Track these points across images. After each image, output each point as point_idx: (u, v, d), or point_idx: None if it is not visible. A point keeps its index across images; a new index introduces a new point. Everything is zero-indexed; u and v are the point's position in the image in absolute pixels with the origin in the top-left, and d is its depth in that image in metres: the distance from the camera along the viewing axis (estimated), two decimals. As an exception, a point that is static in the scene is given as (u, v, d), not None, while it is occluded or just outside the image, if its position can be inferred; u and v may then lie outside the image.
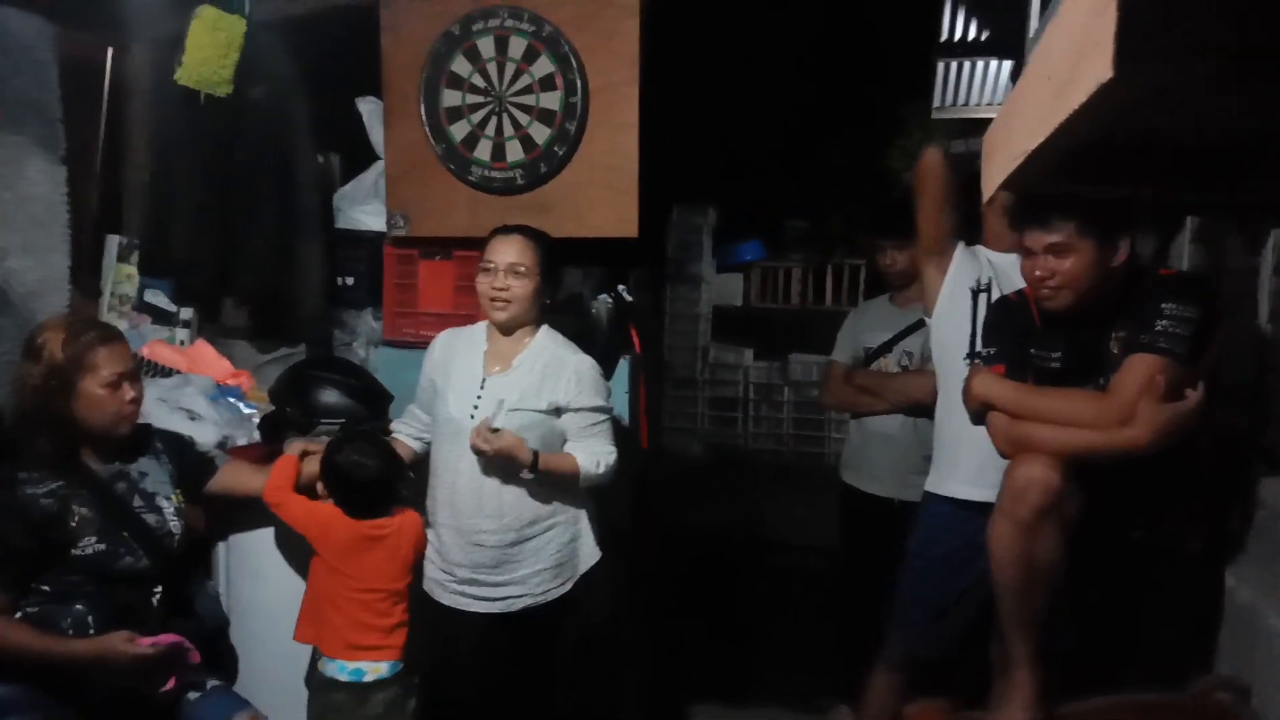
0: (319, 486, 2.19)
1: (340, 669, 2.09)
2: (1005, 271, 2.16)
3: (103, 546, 1.89)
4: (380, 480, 2.15)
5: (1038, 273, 1.79)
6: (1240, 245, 2.08)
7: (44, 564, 1.86)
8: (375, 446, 2.19)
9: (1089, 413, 1.75)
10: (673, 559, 3.54)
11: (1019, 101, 1.00)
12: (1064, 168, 1.13)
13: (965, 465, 2.16)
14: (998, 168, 1.07)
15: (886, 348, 2.80)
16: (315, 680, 2.13)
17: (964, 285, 2.20)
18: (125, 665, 1.82)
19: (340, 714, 2.08)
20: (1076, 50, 0.68)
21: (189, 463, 2.13)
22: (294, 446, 2.23)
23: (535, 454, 2.09)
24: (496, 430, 2.07)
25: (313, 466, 2.18)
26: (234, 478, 2.18)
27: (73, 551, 1.86)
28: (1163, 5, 0.56)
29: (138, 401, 1.99)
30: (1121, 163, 1.16)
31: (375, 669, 2.10)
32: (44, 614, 1.86)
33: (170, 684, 1.89)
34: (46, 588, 1.87)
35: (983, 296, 2.17)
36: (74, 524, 1.87)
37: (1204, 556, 1.89)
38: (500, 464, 2.11)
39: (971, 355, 2.17)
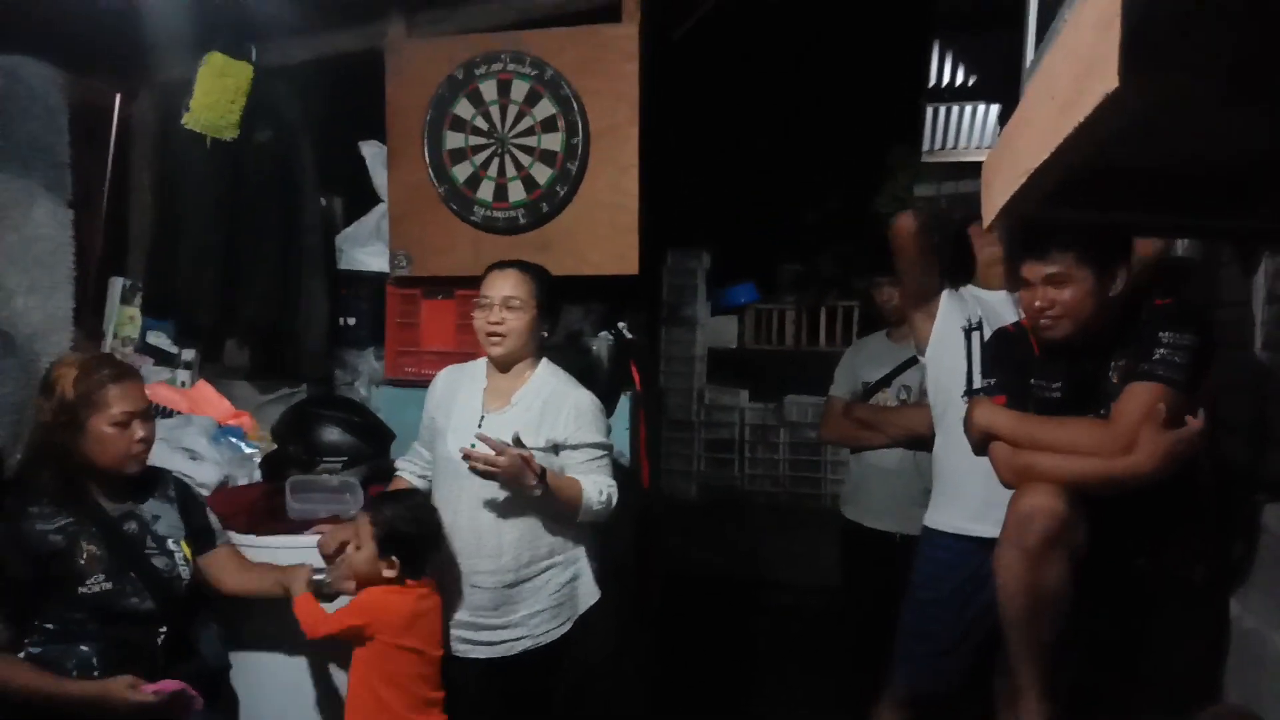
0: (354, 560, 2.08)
1: None
2: (994, 309, 2.21)
3: (109, 585, 1.87)
4: (438, 535, 2.13)
5: (1037, 303, 1.81)
6: (1234, 275, 2.12)
7: (49, 600, 1.84)
8: (427, 505, 2.16)
9: (1091, 441, 1.76)
10: (672, 599, 3.53)
11: (1020, 125, 1.04)
12: (1062, 194, 1.16)
13: (968, 500, 2.17)
14: (999, 190, 1.10)
15: (885, 382, 2.83)
16: None
17: (954, 326, 2.23)
18: (126, 712, 1.79)
19: None
20: (1082, 66, 0.71)
21: (194, 522, 2.09)
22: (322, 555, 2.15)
23: (543, 469, 2.04)
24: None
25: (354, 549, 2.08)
26: (219, 570, 2.09)
27: (79, 589, 1.85)
28: (1169, 17, 0.59)
29: (148, 441, 1.98)
30: (1118, 188, 1.19)
31: None
32: (49, 654, 1.83)
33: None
34: (50, 625, 1.85)
35: (975, 335, 2.21)
36: (82, 561, 1.86)
37: (1208, 584, 1.89)
38: (508, 487, 2.06)
39: (969, 391, 2.20)
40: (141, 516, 1.99)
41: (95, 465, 1.92)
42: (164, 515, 2.03)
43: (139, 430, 1.94)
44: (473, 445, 2.05)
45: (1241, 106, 0.75)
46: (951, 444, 2.25)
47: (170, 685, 1.84)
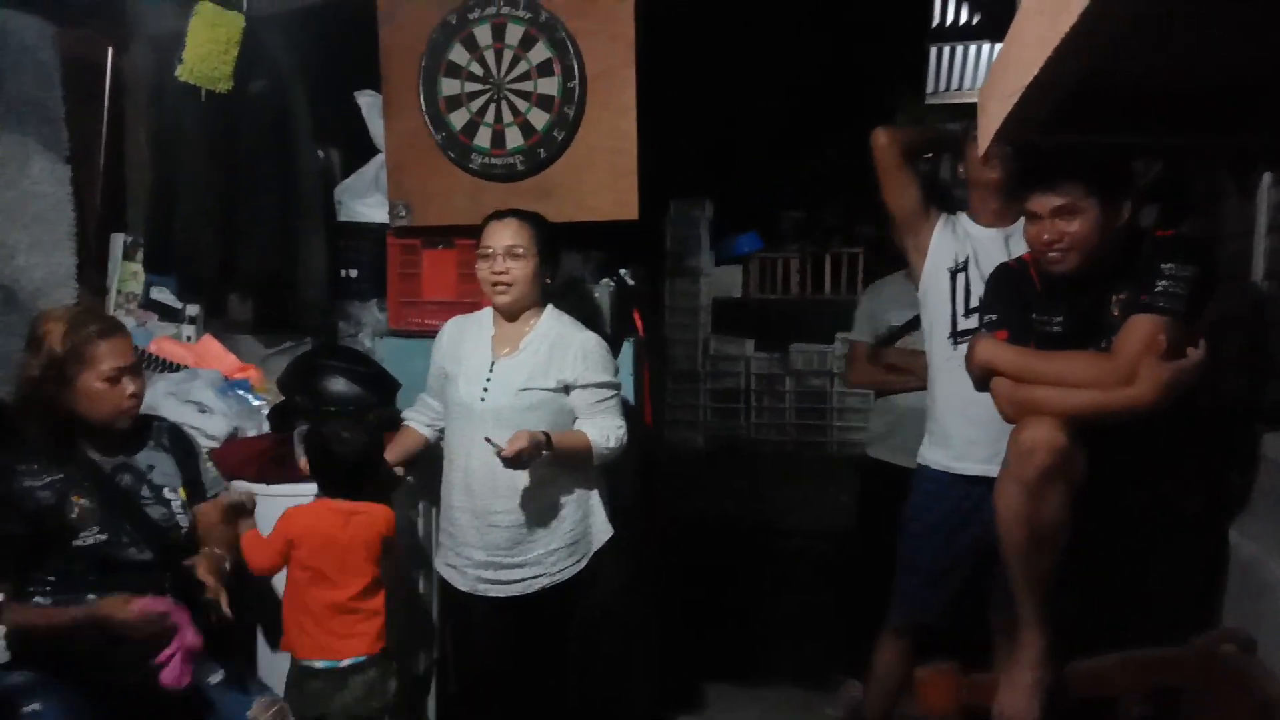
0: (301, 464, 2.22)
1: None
2: (985, 246, 2.20)
3: (104, 537, 1.89)
4: (360, 459, 2.16)
5: (1045, 237, 1.79)
6: (1236, 207, 2.10)
7: (46, 555, 1.87)
8: (360, 426, 2.21)
9: (1092, 373, 1.76)
10: (680, 544, 3.57)
11: (1012, 44, 1.02)
12: (1058, 117, 1.15)
13: (951, 440, 2.22)
14: (994, 114, 1.09)
15: (913, 325, 2.80)
16: (294, 670, 2.11)
17: (942, 266, 2.24)
18: (121, 627, 1.81)
19: (319, 701, 2.06)
20: (1068, -26, 0.70)
21: (188, 472, 2.11)
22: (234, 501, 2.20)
23: (547, 435, 2.10)
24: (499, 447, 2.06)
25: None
26: (202, 522, 2.11)
27: (74, 542, 1.86)
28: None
29: (138, 396, 1.98)
30: (1114, 109, 1.18)
31: (352, 656, 2.10)
32: (55, 605, 1.87)
33: (173, 664, 1.84)
34: (52, 578, 1.88)
35: (960, 276, 2.22)
36: (74, 515, 1.87)
37: (1207, 513, 1.91)
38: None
39: (954, 334, 2.22)
40: (136, 467, 2.00)
41: (85, 420, 1.92)
42: (159, 464, 2.04)
43: (129, 385, 1.94)
44: (481, 399, 2.18)
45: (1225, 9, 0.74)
46: (938, 384, 2.27)
47: (156, 604, 1.84)
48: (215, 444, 2.41)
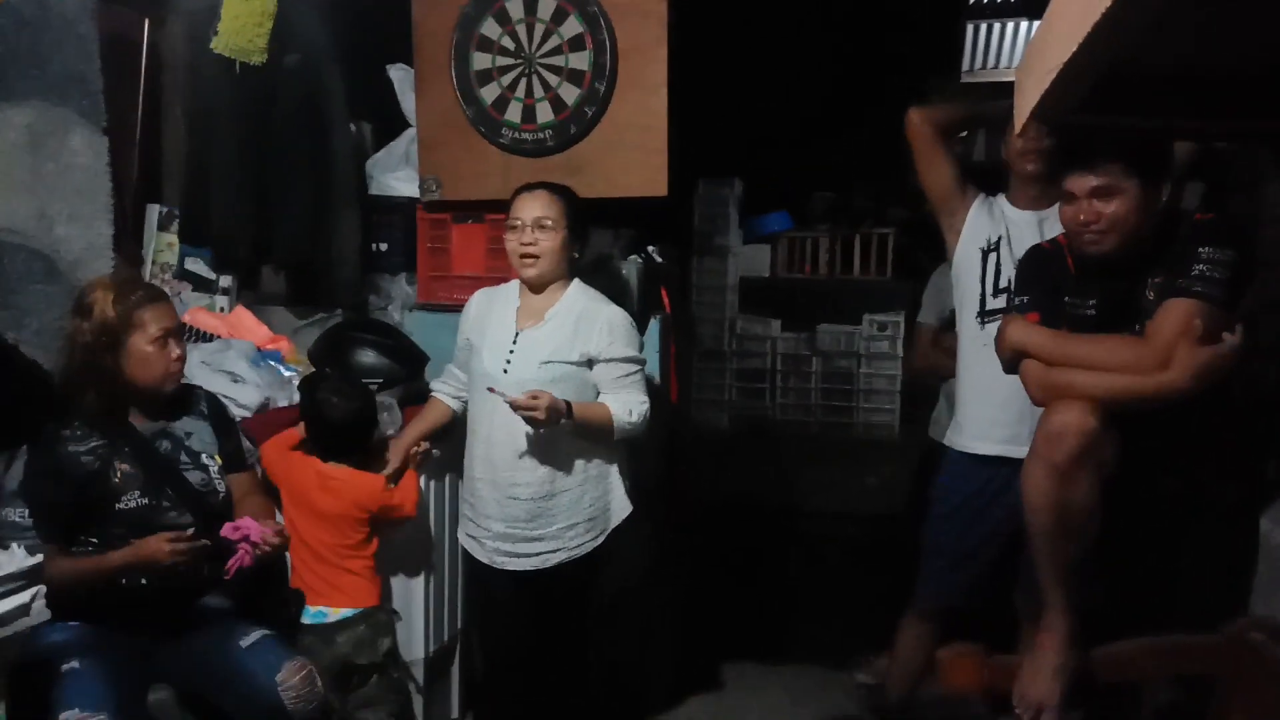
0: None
1: (305, 612, 2.19)
2: (1019, 228, 2.18)
3: (145, 501, 1.94)
4: (347, 426, 2.21)
5: (1082, 217, 1.76)
6: (1275, 191, 2.06)
7: (89, 518, 1.92)
8: (352, 390, 2.25)
9: (1125, 357, 1.74)
10: (702, 523, 3.58)
11: (1049, 23, 1.01)
12: (1095, 98, 1.13)
13: (973, 421, 2.23)
14: (1031, 92, 1.08)
15: None
16: (298, 629, 2.20)
17: (974, 246, 2.23)
18: (167, 564, 1.87)
19: (311, 655, 2.10)
20: (1109, -47, 0.69)
21: (226, 442, 2.16)
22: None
23: (568, 403, 2.11)
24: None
25: None
26: (236, 492, 2.15)
27: (116, 506, 1.92)
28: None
29: (183, 360, 2.04)
30: (1152, 91, 1.16)
31: (337, 611, 2.18)
32: (91, 557, 1.92)
33: (233, 566, 1.94)
34: (94, 540, 1.93)
35: (991, 256, 2.20)
36: (116, 480, 1.92)
37: (1239, 501, 1.89)
38: (536, 425, 2.12)
39: (982, 314, 2.20)
40: (174, 434, 2.05)
41: (135, 384, 1.97)
42: (196, 431, 2.09)
43: (175, 348, 2.00)
44: (504, 370, 2.18)
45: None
46: (963, 363, 2.27)
47: (189, 536, 1.92)
48: (247, 413, 2.45)
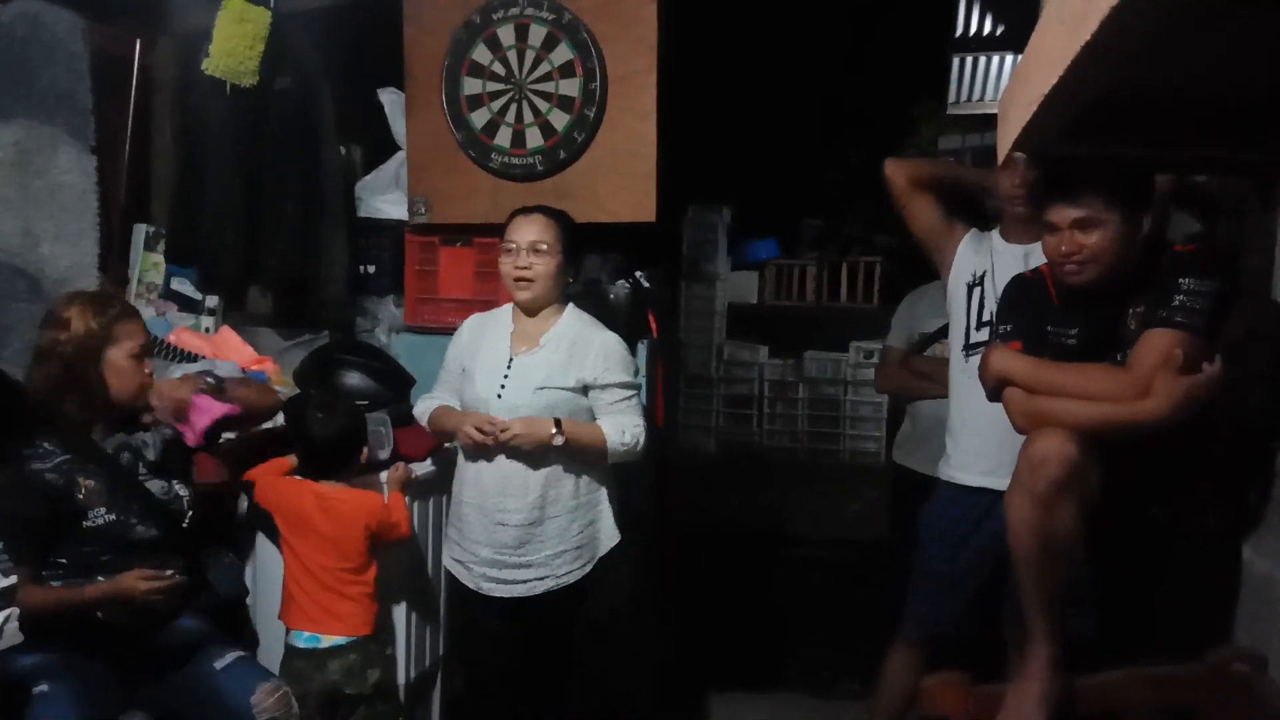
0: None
1: (298, 636, 2.16)
2: (1004, 261, 2.20)
3: (113, 517, 1.91)
4: (337, 442, 2.19)
5: (1064, 248, 1.78)
6: (1260, 221, 2.09)
7: (56, 536, 1.89)
8: (341, 406, 2.24)
9: (1107, 386, 1.75)
10: (690, 549, 3.57)
11: (1032, 53, 1.02)
12: (1078, 129, 1.15)
13: (961, 450, 2.25)
14: (1014, 123, 1.09)
15: (942, 333, 2.81)
16: (286, 649, 2.18)
17: (961, 281, 2.27)
18: (141, 600, 1.87)
19: (302, 680, 2.10)
20: (1090, -16, 0.70)
21: (176, 441, 2.13)
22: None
23: (557, 421, 2.10)
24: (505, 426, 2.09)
25: None
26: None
27: (84, 523, 1.89)
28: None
29: (153, 376, 2.05)
30: (1135, 121, 1.17)
31: (332, 638, 2.15)
32: (67, 587, 1.89)
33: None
34: (64, 560, 1.90)
35: (976, 290, 2.23)
36: (81, 496, 1.89)
37: (1221, 531, 1.90)
38: (530, 446, 2.11)
39: (968, 347, 2.22)
40: (132, 444, 2.02)
41: (110, 398, 1.95)
42: (152, 441, 2.06)
43: (148, 365, 2.01)
44: (498, 395, 2.17)
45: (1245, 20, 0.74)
46: (951, 395, 2.30)
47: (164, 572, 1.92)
48: (229, 434, 2.43)
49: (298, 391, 2.57)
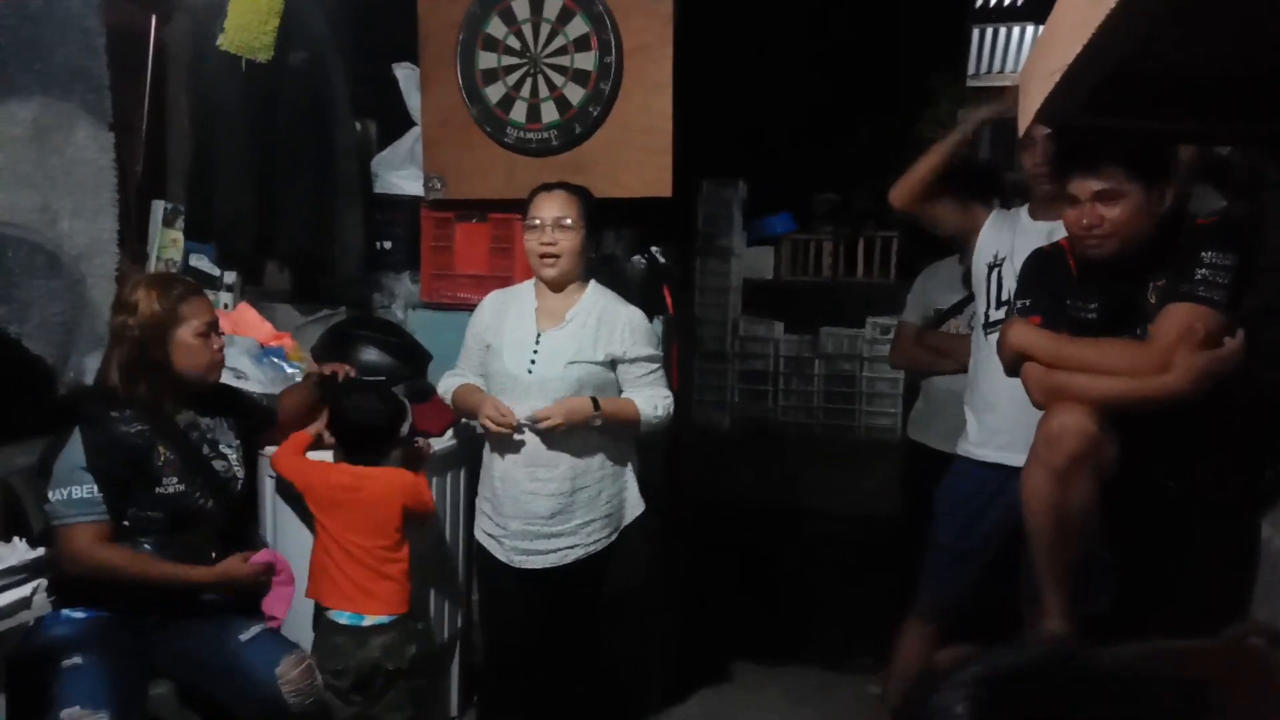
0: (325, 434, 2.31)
1: (338, 614, 2.19)
2: (1027, 239, 2.18)
3: (182, 487, 2.02)
4: (382, 431, 2.22)
5: (1085, 221, 1.76)
6: (1277, 199, 2.06)
7: (129, 499, 1.97)
8: (385, 396, 2.27)
9: (1126, 361, 1.74)
10: (704, 524, 3.58)
11: (1054, 24, 1.01)
12: (1099, 101, 1.13)
13: (978, 425, 2.26)
14: (1035, 92, 1.08)
15: (957, 309, 2.81)
16: (322, 624, 2.21)
17: (985, 260, 2.28)
18: (244, 583, 2.04)
19: (342, 655, 2.15)
20: (1114, -48, 0.69)
21: (249, 410, 2.26)
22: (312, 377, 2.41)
23: (595, 400, 2.15)
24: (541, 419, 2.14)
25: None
26: (292, 396, 2.38)
27: (156, 490, 1.99)
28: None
29: (222, 351, 2.13)
30: (1156, 93, 1.16)
31: (373, 617, 2.18)
32: (167, 561, 2.00)
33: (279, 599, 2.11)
34: (126, 523, 1.98)
35: (995, 271, 2.22)
36: (159, 463, 1.99)
37: (1239, 505, 1.89)
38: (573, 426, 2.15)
39: (987, 325, 2.22)
40: (200, 425, 2.12)
41: (181, 375, 2.04)
42: (218, 424, 2.16)
43: (216, 340, 2.08)
44: (529, 370, 2.22)
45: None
46: (972, 374, 2.30)
47: (266, 556, 2.09)
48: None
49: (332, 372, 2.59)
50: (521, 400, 2.18)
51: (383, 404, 2.24)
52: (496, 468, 2.27)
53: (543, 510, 2.21)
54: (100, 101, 2.71)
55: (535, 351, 2.22)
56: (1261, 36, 0.95)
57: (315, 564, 2.22)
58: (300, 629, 2.22)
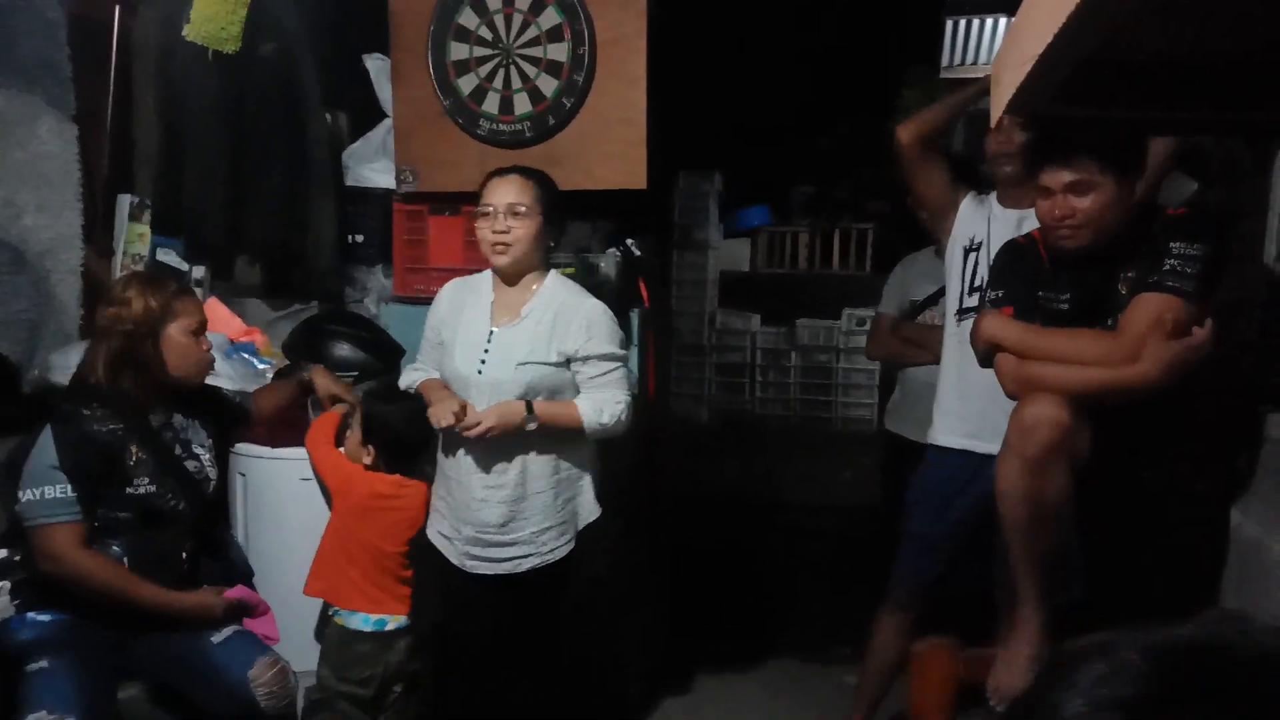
0: (348, 440, 2.27)
1: (364, 620, 2.17)
2: (1001, 226, 2.20)
3: (154, 488, 1.99)
4: (422, 444, 2.23)
5: (1056, 212, 1.76)
6: (1256, 186, 2.08)
7: (101, 497, 1.94)
8: (420, 408, 2.21)
9: (1097, 351, 1.75)
10: (682, 518, 3.58)
11: (1026, 13, 1.01)
12: (1071, 90, 1.13)
13: (947, 414, 2.28)
14: (1007, 82, 1.08)
15: (932, 300, 2.81)
16: (335, 633, 2.17)
17: (960, 244, 2.27)
18: (221, 617, 2.01)
19: (366, 663, 2.15)
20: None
21: (223, 409, 2.23)
22: (325, 387, 2.37)
23: (528, 404, 2.05)
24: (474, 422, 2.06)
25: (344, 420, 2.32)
26: (270, 397, 2.34)
27: (127, 490, 1.96)
28: None
29: (210, 352, 2.12)
30: (1128, 83, 1.16)
31: (396, 619, 2.20)
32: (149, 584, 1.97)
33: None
34: (96, 523, 1.94)
35: (972, 256, 2.22)
36: (131, 463, 1.96)
37: (1209, 493, 1.91)
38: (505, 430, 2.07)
39: (960, 312, 2.23)
40: (174, 424, 2.09)
41: (169, 374, 2.01)
42: (191, 425, 2.14)
43: (204, 342, 2.07)
44: (479, 371, 2.14)
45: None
46: (944, 361, 2.30)
47: (239, 593, 2.08)
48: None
49: (287, 364, 2.56)
50: (474, 402, 2.08)
51: (417, 416, 2.18)
52: (449, 470, 2.18)
53: (494, 518, 2.12)
54: (64, 94, 2.66)
55: (486, 351, 2.13)
56: (1233, 24, 0.95)
57: (328, 564, 2.19)
58: (300, 629, 2.23)
